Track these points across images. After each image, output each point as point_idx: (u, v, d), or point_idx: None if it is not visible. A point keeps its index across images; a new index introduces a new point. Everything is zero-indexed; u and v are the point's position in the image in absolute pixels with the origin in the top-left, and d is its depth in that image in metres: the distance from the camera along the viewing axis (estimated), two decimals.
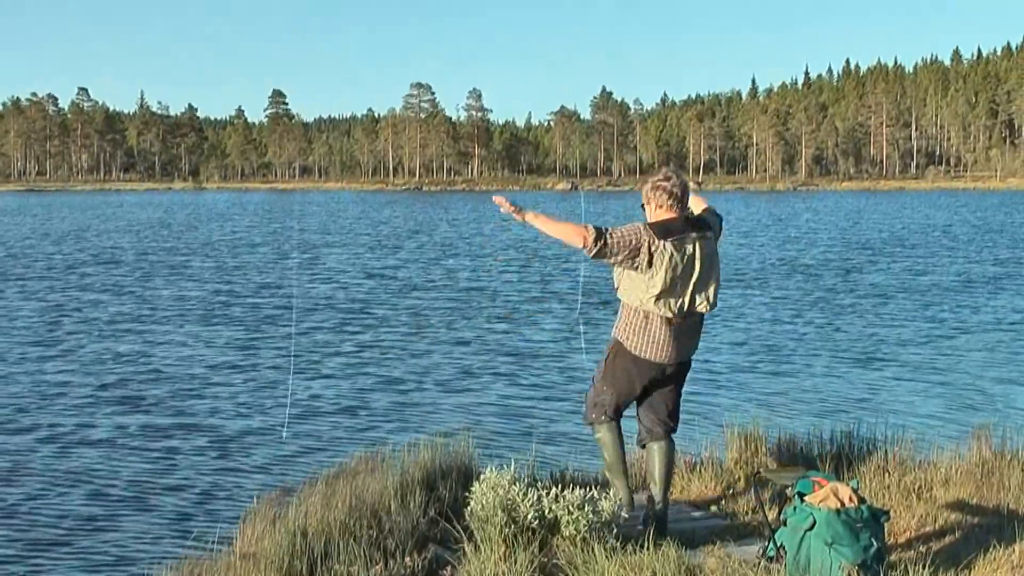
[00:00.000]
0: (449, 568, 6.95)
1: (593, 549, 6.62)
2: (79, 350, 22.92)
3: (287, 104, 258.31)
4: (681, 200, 7.48)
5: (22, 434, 15.59)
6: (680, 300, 7.34)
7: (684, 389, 7.85)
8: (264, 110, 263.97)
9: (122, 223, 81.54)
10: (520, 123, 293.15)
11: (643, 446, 7.75)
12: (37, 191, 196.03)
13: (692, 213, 7.59)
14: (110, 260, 47.19)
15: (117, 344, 23.74)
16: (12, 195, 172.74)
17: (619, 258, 7.27)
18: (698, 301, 7.38)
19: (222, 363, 21.49)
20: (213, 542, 7.85)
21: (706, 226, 7.48)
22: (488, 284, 37.16)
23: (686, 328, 7.46)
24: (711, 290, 7.41)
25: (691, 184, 7.66)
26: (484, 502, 6.99)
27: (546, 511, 6.99)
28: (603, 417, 7.70)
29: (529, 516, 6.93)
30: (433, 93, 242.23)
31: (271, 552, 6.83)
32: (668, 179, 7.52)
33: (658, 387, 7.60)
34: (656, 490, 7.60)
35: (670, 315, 7.34)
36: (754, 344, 23.25)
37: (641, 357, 7.47)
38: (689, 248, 7.33)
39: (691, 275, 7.32)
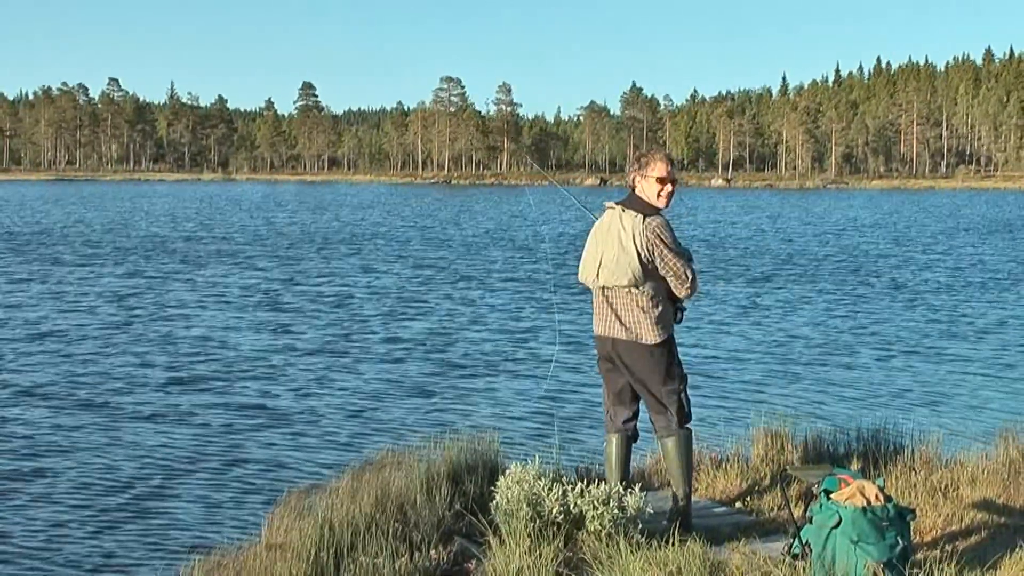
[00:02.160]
0: (474, 561, 6.97)
1: (618, 544, 6.62)
2: (136, 332, 23.52)
3: (317, 96, 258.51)
4: (634, 173, 7.68)
5: (71, 411, 16.00)
6: (586, 267, 7.64)
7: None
8: (294, 102, 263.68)
9: (167, 212, 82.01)
10: (550, 118, 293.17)
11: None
12: (67, 180, 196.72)
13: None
14: (157, 248, 47.86)
15: (171, 328, 24.32)
16: (43, 184, 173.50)
17: None
18: (593, 269, 7.58)
19: (276, 347, 21.90)
20: (239, 534, 7.91)
21: (647, 209, 7.52)
22: (526, 275, 37.39)
23: (611, 301, 7.55)
24: (609, 263, 7.45)
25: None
26: (509, 496, 7.01)
27: (571, 506, 7.01)
28: (609, 424, 7.84)
29: (554, 511, 6.95)
30: (463, 87, 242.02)
31: (298, 543, 6.86)
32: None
33: (632, 376, 7.63)
34: (674, 486, 7.63)
35: (582, 279, 7.70)
36: (781, 340, 23.22)
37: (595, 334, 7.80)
38: (605, 217, 7.62)
39: (598, 243, 7.56)
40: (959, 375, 19.67)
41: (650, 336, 7.45)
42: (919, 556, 6.72)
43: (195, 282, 34.29)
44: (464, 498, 7.77)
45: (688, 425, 7.67)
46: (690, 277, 7.46)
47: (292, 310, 27.82)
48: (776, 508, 8.13)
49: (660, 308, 7.47)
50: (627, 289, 7.40)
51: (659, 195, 7.51)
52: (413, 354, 21.33)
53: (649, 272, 7.37)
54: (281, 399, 17.17)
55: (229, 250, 47.60)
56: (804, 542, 6.45)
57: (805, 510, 6.82)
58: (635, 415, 7.76)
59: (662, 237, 7.38)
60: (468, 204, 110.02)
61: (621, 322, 7.49)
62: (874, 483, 6.40)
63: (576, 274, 7.81)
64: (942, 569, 6.13)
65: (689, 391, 7.72)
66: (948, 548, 7.11)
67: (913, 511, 6.48)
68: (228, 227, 65.09)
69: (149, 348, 21.51)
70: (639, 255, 7.31)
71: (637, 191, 7.57)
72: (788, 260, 44.66)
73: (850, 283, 35.54)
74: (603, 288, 7.53)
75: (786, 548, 6.71)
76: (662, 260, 7.38)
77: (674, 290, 7.48)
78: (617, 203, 7.57)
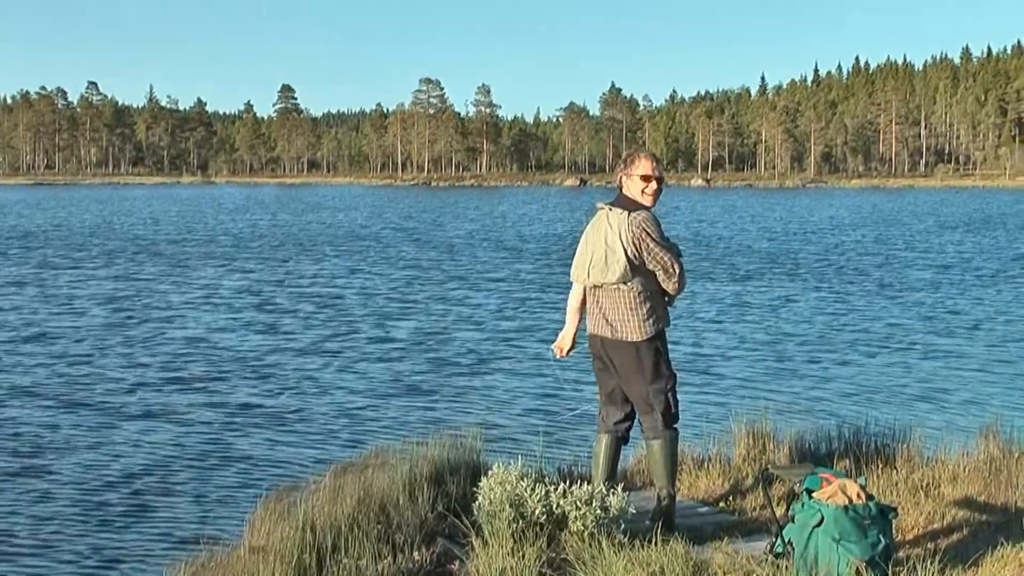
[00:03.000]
0: (457, 562, 6.96)
1: (601, 544, 6.62)
2: (126, 333, 23.68)
3: (296, 99, 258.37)
4: (621, 173, 7.75)
5: (62, 410, 16.06)
6: (577, 267, 7.69)
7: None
8: (273, 104, 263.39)
9: (152, 215, 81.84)
10: (529, 119, 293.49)
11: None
12: (46, 184, 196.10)
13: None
14: (145, 251, 47.89)
15: (161, 328, 24.51)
16: (22, 189, 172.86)
17: None
18: (584, 269, 7.62)
19: (265, 347, 21.96)
20: (224, 535, 7.90)
21: (632, 206, 7.56)
22: (512, 274, 37.49)
23: (600, 300, 7.61)
24: (598, 262, 7.50)
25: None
26: (492, 497, 7.00)
27: (554, 506, 7.00)
28: (600, 424, 7.87)
29: (537, 511, 6.94)
30: (442, 88, 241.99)
31: (280, 546, 6.84)
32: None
33: (619, 375, 7.65)
34: (657, 486, 7.65)
35: (574, 279, 7.77)
36: (764, 339, 23.25)
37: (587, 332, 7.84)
38: (595, 218, 7.69)
39: (588, 243, 7.61)
40: (941, 372, 19.73)
41: (636, 333, 7.46)
42: (901, 554, 6.74)
43: (184, 283, 34.36)
44: (447, 499, 7.75)
45: (675, 426, 7.68)
46: (678, 271, 7.49)
47: (281, 311, 27.88)
48: (758, 507, 8.14)
49: (648, 305, 7.49)
50: (616, 286, 7.42)
51: (643, 192, 7.53)
52: (399, 354, 21.35)
53: (637, 268, 7.39)
54: (270, 398, 17.18)
55: (216, 252, 47.67)
56: (787, 541, 6.46)
57: (787, 509, 6.83)
58: (627, 417, 7.76)
59: (648, 231, 7.39)
60: (450, 205, 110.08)
61: (607, 320, 7.52)
62: (856, 481, 6.41)
63: (565, 274, 7.88)
64: (924, 567, 6.15)
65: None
66: (930, 546, 7.13)
67: (895, 509, 6.49)
68: (213, 229, 65.05)
69: (138, 349, 21.55)
70: (626, 251, 7.34)
71: (624, 190, 7.61)
72: (772, 259, 44.76)
73: (835, 281, 35.63)
74: (593, 287, 7.56)
75: (768, 547, 6.72)
76: (649, 254, 7.40)
77: (662, 284, 7.51)
78: (606, 203, 7.61)
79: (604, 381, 7.75)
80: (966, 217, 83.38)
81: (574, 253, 7.76)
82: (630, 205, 7.49)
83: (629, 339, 7.48)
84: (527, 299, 30.71)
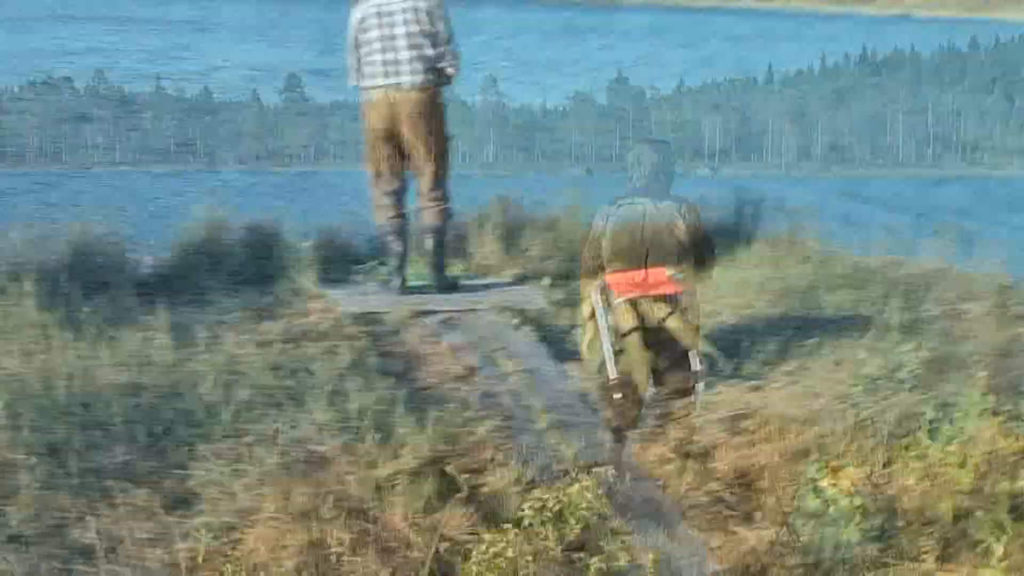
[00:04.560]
0: (462, 554, 6.97)
1: (608, 532, 6.64)
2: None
3: (303, 87, 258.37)
4: (636, 168, 7.70)
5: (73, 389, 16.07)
6: (628, 264, 7.69)
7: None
8: (279, 93, 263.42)
9: (172, 203, 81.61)
10: (535, 108, 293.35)
11: None
12: (54, 173, 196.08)
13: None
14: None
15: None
16: (31, 176, 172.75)
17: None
18: (640, 266, 7.67)
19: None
20: (238, 516, 7.90)
21: (675, 198, 7.65)
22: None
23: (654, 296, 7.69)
24: (659, 253, 7.64)
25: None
26: (498, 486, 7.01)
27: (560, 494, 7.01)
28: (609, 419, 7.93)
29: (545, 499, 6.95)
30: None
31: (286, 530, 6.85)
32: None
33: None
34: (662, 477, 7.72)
35: (616, 280, 7.75)
36: (771, 318, 23.20)
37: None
38: (635, 210, 7.75)
39: (641, 236, 7.65)
40: (950, 354, 19.64)
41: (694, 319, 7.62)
42: (904, 542, 6.75)
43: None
44: (451, 487, 7.76)
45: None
46: (716, 255, 7.97)
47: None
48: (765, 493, 8.14)
49: (694, 290, 7.76)
50: (675, 276, 7.52)
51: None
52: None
53: (688, 255, 7.52)
54: (287, 378, 17.06)
55: (246, 240, 47.62)
56: (792, 528, 6.47)
57: (793, 496, 6.85)
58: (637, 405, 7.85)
59: (701, 220, 7.70)
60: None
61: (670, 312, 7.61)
62: (860, 467, 6.43)
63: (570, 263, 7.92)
64: (928, 556, 6.16)
65: None
66: (936, 535, 7.13)
67: (899, 496, 6.51)
68: (238, 217, 64.94)
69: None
70: (688, 240, 7.45)
71: (659, 184, 7.69)
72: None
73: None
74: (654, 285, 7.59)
75: (775, 535, 6.73)
76: (705, 241, 7.68)
77: (702, 271, 7.71)
78: (636, 195, 7.65)
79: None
80: (980, 206, 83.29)
81: (581, 249, 7.79)
82: (672, 196, 7.64)
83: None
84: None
